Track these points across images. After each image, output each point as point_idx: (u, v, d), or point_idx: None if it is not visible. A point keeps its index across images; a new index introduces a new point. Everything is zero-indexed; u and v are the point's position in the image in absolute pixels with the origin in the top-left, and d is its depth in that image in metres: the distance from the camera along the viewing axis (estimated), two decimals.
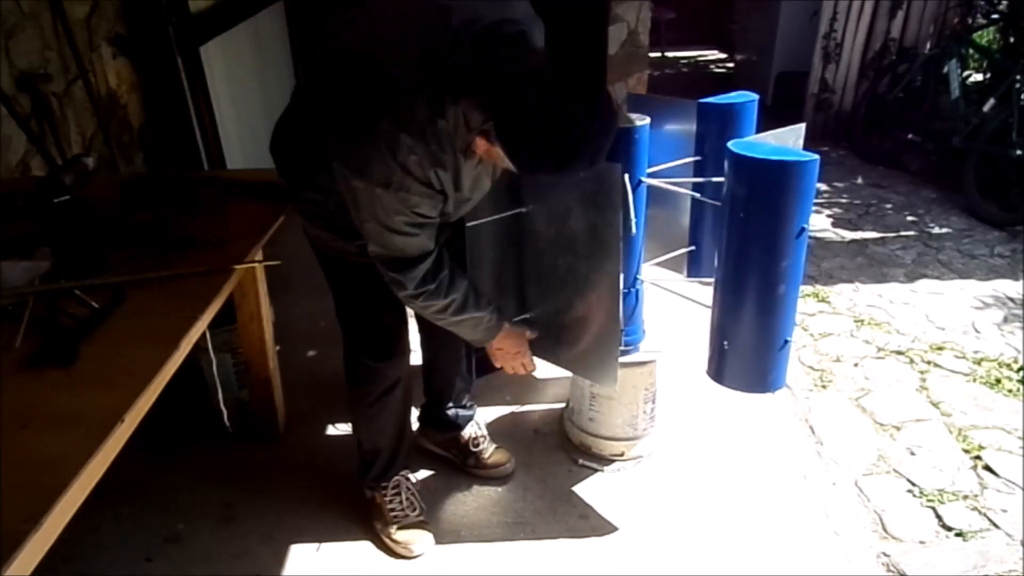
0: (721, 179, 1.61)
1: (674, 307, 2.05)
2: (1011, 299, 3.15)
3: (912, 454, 2.28)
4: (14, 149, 2.20)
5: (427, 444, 2.19)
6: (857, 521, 2.03)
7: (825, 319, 3.02)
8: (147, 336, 1.34)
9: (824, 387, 2.59)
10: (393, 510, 1.92)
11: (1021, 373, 2.64)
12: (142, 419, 1.21)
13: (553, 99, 1.19)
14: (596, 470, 2.16)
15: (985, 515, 2.05)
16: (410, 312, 1.77)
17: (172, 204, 1.86)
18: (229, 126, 3.33)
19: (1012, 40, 4.33)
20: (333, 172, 1.41)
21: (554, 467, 2.18)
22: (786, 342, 1.64)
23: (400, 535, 1.90)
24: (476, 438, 2.14)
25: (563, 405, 2.38)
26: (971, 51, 4.46)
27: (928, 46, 4.80)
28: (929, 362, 2.72)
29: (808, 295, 3.16)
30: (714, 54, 7.58)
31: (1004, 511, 2.06)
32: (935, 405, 2.49)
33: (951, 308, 3.08)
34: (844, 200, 4.19)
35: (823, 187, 4.32)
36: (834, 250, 3.61)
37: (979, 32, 4.57)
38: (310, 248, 1.73)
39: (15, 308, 1.39)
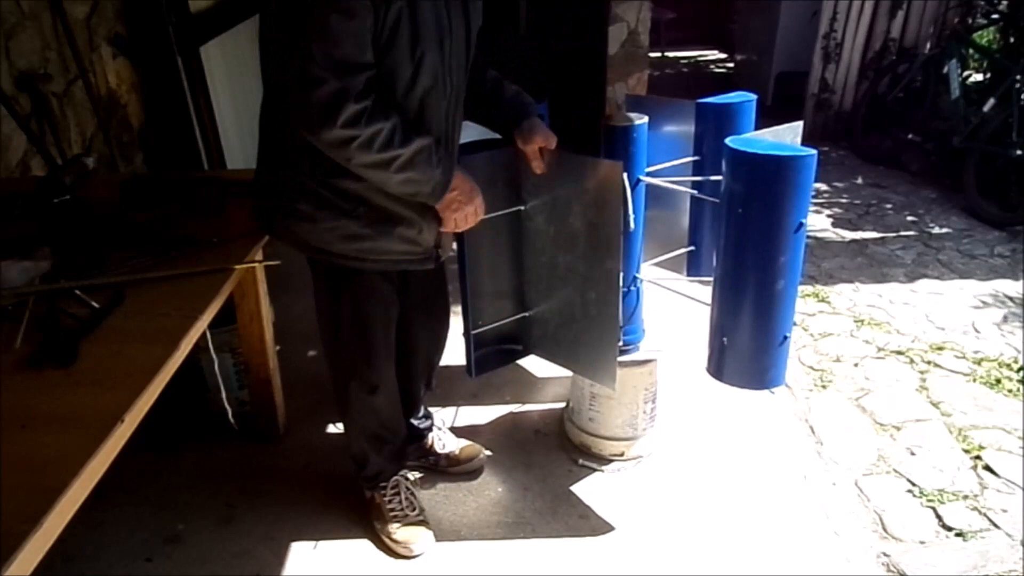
0: (719, 178, 1.61)
1: (674, 306, 2.06)
2: (1011, 299, 3.15)
3: (912, 454, 2.28)
4: (14, 149, 2.20)
5: None
6: (857, 521, 2.03)
7: (825, 319, 3.02)
8: (147, 336, 1.34)
9: (824, 387, 2.59)
10: (392, 510, 1.92)
11: (1021, 373, 2.64)
12: (142, 419, 1.21)
13: None
14: (596, 470, 2.17)
15: (985, 515, 2.05)
16: None
17: (172, 204, 1.86)
18: (229, 126, 3.33)
19: (1012, 40, 4.33)
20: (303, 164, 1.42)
21: (554, 467, 2.18)
22: (785, 338, 1.64)
23: (400, 535, 1.90)
24: (441, 440, 2.15)
25: (563, 405, 2.38)
26: (971, 51, 4.46)
27: (928, 46, 4.80)
28: (929, 362, 2.72)
29: (808, 295, 3.16)
30: (714, 54, 7.58)
31: (1004, 511, 2.06)
32: (935, 405, 2.49)
33: (951, 308, 3.08)
34: (844, 200, 4.19)
35: (823, 187, 4.32)
36: (834, 250, 3.61)
37: (979, 32, 4.58)
38: None
39: (15, 308, 1.39)
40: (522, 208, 1.82)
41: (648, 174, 1.84)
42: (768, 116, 1.98)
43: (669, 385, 2.30)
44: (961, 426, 2.38)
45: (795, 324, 1.86)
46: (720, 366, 1.74)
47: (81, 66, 2.49)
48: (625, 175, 1.72)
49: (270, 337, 2.16)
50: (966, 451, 2.28)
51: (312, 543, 1.93)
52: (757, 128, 1.84)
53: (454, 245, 1.78)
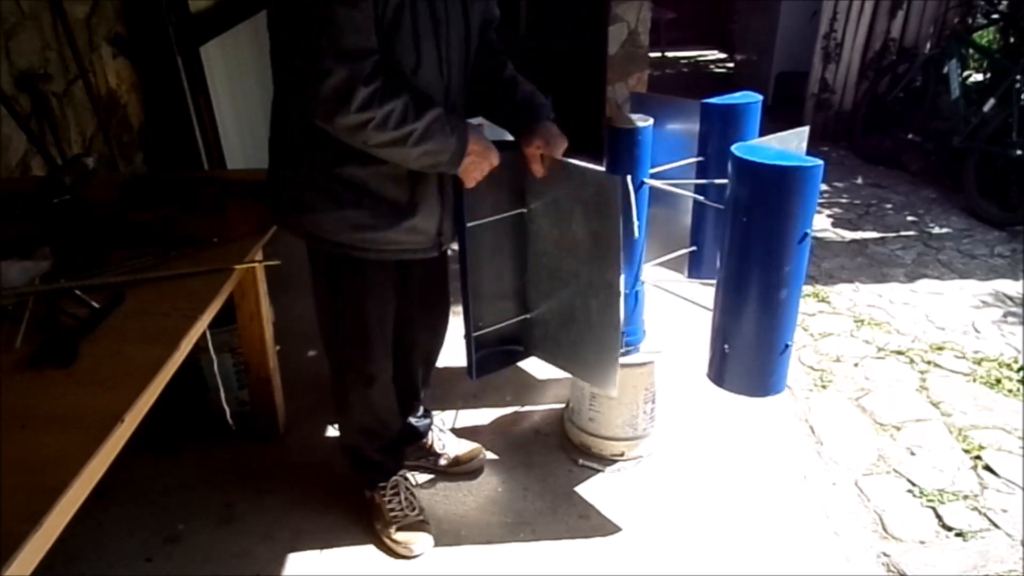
0: (724, 181, 1.60)
1: (674, 307, 2.05)
2: (1011, 299, 3.15)
3: (912, 454, 2.28)
4: (14, 149, 2.20)
5: None
6: (857, 521, 2.03)
7: (825, 319, 3.02)
8: (147, 336, 1.34)
9: (824, 387, 2.59)
10: (392, 510, 1.92)
11: (1021, 373, 2.64)
12: (142, 419, 1.21)
13: None
14: (596, 470, 2.16)
15: (985, 515, 2.05)
16: None
17: (172, 204, 1.86)
18: (229, 126, 3.33)
19: (1012, 40, 4.33)
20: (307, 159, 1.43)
21: (554, 467, 2.18)
22: (787, 346, 1.64)
23: (400, 535, 1.90)
24: (441, 440, 2.15)
25: (563, 405, 2.38)
26: (971, 51, 4.46)
27: (928, 46, 4.80)
28: (929, 362, 2.72)
29: (808, 295, 3.16)
30: (714, 54, 7.58)
31: (1004, 511, 2.06)
32: (935, 405, 2.49)
33: (951, 308, 3.08)
34: (844, 200, 4.19)
35: (823, 187, 4.32)
36: (834, 250, 3.61)
37: (979, 32, 4.58)
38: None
39: (15, 308, 1.39)
40: (524, 211, 1.82)
41: (652, 175, 1.83)
42: (768, 116, 1.98)
43: (669, 386, 2.30)
44: (961, 426, 2.38)
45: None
46: (721, 372, 1.74)
47: (81, 66, 2.49)
48: (629, 179, 1.71)
49: (270, 337, 2.16)
50: (966, 451, 2.28)
51: (312, 543, 1.93)
52: (758, 129, 1.84)
53: (454, 245, 1.77)
